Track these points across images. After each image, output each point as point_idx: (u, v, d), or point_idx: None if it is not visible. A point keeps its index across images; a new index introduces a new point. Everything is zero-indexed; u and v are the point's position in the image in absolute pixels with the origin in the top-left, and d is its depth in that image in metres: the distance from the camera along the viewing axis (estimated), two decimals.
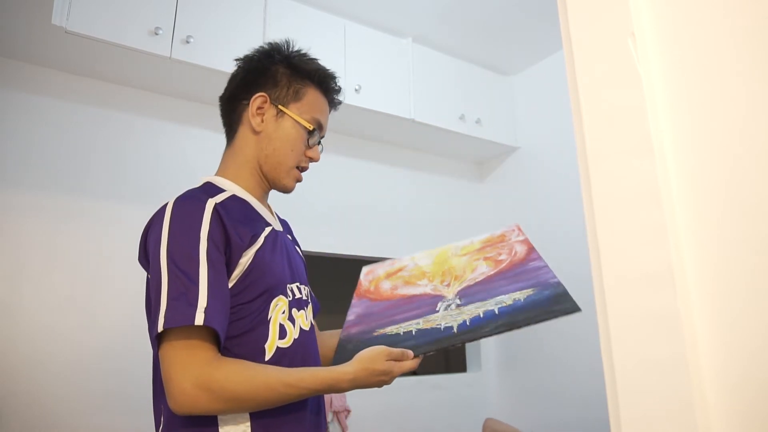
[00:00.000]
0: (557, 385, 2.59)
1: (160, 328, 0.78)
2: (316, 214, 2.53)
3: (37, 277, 1.87)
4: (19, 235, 1.86)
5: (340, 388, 0.86)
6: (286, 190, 1.05)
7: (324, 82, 1.06)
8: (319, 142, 1.07)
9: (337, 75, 1.09)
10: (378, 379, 0.87)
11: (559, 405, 2.56)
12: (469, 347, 2.99)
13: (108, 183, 2.05)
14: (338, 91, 1.09)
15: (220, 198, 0.92)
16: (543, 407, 2.66)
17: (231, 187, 0.98)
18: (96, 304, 1.94)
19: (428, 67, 2.71)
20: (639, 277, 0.42)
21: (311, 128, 1.02)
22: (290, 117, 1.01)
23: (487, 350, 2.95)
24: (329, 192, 2.60)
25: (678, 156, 0.43)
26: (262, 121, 1.00)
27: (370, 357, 0.87)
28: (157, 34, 1.93)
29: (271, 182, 1.03)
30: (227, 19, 2.12)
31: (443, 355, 4.02)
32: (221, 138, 1.11)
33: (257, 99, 1.00)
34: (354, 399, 2.40)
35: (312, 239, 2.46)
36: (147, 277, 0.90)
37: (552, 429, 2.59)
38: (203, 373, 0.78)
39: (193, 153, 2.23)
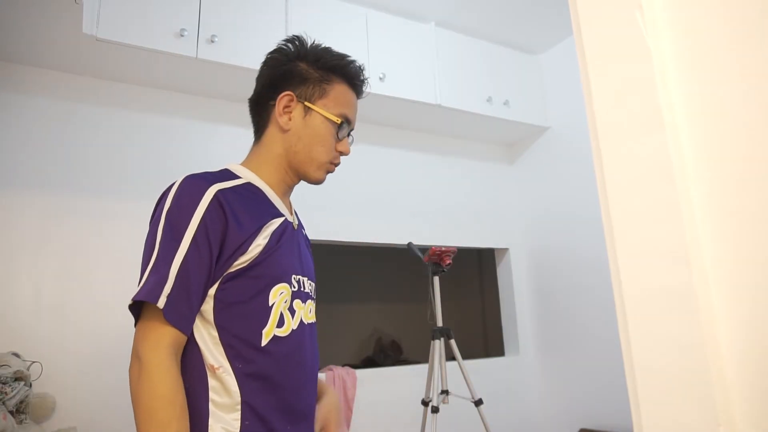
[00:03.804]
0: (596, 367, 2.56)
1: (131, 300, 0.83)
2: (348, 204, 2.55)
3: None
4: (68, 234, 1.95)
5: None
6: (318, 182, 1.05)
7: (349, 75, 1.05)
8: (349, 134, 1.06)
9: (362, 66, 1.07)
10: None
11: (597, 387, 2.53)
12: (506, 331, 2.98)
13: (149, 184, 2.10)
14: (364, 82, 1.08)
15: (229, 184, 0.93)
16: (581, 389, 2.63)
17: (249, 176, 0.99)
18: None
19: (452, 51, 2.68)
20: (653, 254, 0.41)
21: (339, 122, 1.02)
22: (318, 113, 1.01)
23: (524, 334, 2.93)
24: (360, 182, 2.61)
25: (691, 130, 0.42)
26: (290, 119, 1.01)
27: None
28: (182, 35, 1.97)
29: (301, 176, 1.04)
30: (249, 15, 2.15)
31: (482, 340, 4.01)
32: (251, 134, 1.13)
33: (283, 98, 1.00)
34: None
35: (345, 228, 2.48)
36: None
37: (592, 411, 2.56)
38: (148, 355, 0.81)
39: (224, 150, 2.27)
